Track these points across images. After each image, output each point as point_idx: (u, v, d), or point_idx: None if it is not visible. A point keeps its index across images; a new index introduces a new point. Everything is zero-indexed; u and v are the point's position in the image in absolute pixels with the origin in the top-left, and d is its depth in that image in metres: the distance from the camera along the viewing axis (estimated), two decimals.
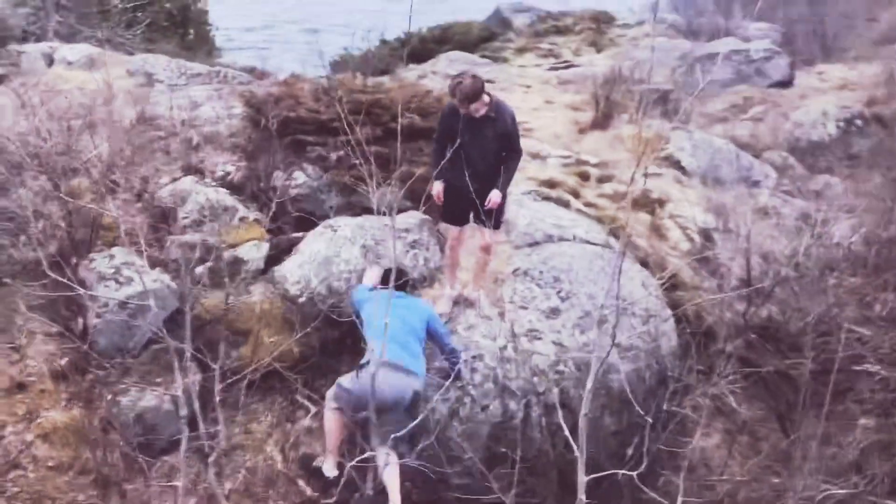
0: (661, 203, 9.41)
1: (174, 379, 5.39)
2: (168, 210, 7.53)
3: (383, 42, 18.56)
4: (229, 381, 5.57)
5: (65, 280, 5.53)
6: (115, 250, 6.79)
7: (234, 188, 7.97)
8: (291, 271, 7.01)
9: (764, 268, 7.50)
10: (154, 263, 6.82)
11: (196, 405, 5.35)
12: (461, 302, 6.75)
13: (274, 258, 7.26)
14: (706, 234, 8.90)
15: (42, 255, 6.08)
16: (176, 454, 5.63)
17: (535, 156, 10.09)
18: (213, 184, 7.95)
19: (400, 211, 7.32)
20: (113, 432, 6.09)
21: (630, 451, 6.47)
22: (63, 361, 6.32)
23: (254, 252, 7.21)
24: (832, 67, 16.70)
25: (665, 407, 6.24)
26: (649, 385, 6.78)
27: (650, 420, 4.96)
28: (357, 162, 5.13)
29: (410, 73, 15.27)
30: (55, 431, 5.94)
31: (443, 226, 7.06)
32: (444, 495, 6.11)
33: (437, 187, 6.43)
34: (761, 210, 8.98)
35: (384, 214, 4.96)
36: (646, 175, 5.21)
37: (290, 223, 7.65)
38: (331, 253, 7.05)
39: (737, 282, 7.58)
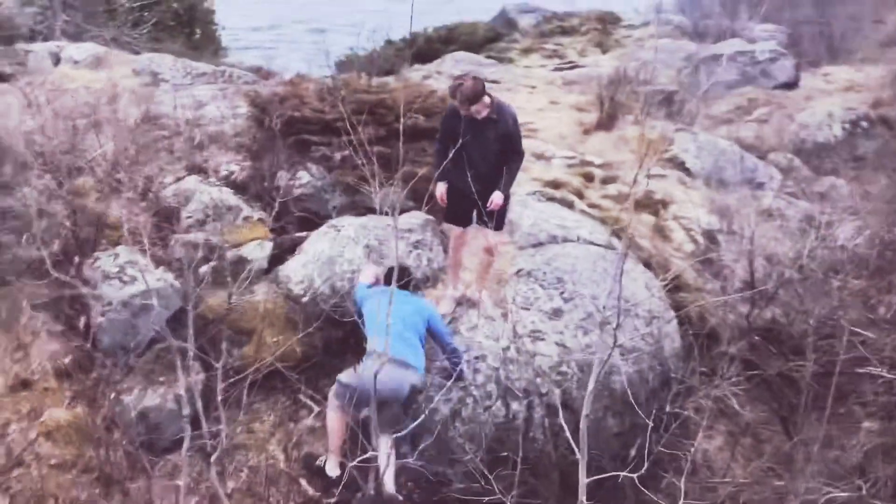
0: (665, 204, 9.39)
1: (177, 378, 5.40)
2: (172, 209, 7.55)
3: (389, 42, 18.55)
4: (232, 380, 5.57)
5: (68, 279, 5.55)
6: (119, 249, 6.81)
7: (238, 188, 7.98)
8: (295, 271, 7.02)
9: (768, 270, 7.49)
10: (158, 262, 6.84)
11: (199, 404, 5.36)
12: (464, 302, 6.75)
13: (277, 258, 7.27)
14: (710, 236, 8.88)
15: (46, 254, 6.10)
16: (178, 453, 5.64)
17: (539, 156, 10.09)
18: (217, 183, 7.96)
19: (403, 211, 7.35)
20: (116, 431, 6.11)
21: (633, 453, 6.47)
22: (67, 360, 6.35)
23: (257, 251, 7.22)
24: (838, 69, 16.64)
25: (668, 408, 6.23)
26: (652, 386, 6.77)
27: (651, 422, 4.93)
28: (361, 162, 5.13)
29: (416, 73, 15.27)
30: (58, 429, 5.97)
31: (446, 226, 7.06)
32: (445, 495, 6.10)
33: (439, 188, 6.44)
34: (765, 212, 8.96)
35: (387, 214, 4.96)
36: (648, 176, 5.20)
37: (293, 223, 7.67)
38: (334, 253, 7.06)
39: (740, 284, 7.58)
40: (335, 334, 6.74)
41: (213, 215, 7.38)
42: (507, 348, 6.54)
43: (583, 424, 4.42)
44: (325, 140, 8.10)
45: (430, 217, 7.48)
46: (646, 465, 4.81)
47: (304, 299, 6.84)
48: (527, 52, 19.27)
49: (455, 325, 6.58)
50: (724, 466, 6.83)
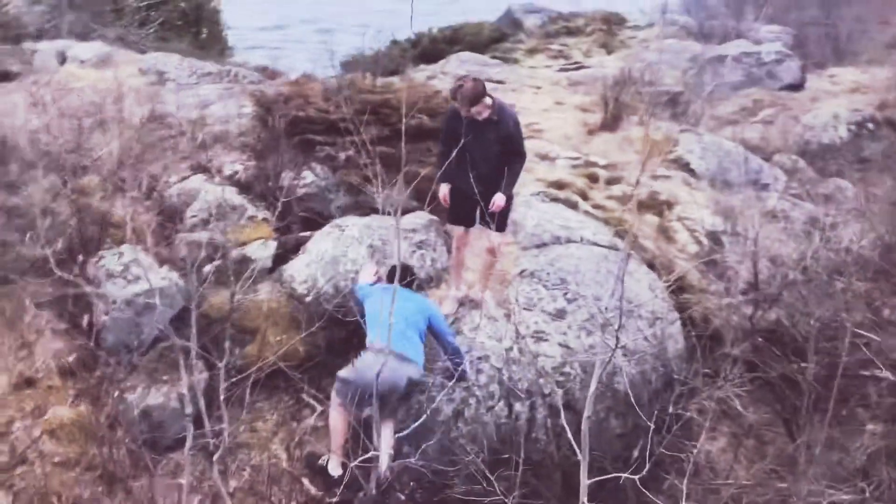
0: (670, 205, 9.37)
1: (180, 376, 5.42)
2: (176, 208, 7.57)
3: (394, 42, 18.57)
4: (235, 379, 5.58)
5: (73, 277, 5.56)
6: (123, 248, 6.82)
7: (243, 187, 7.99)
8: (298, 270, 7.03)
9: (772, 271, 7.48)
10: (162, 261, 6.85)
11: (201, 403, 5.37)
12: (467, 303, 6.76)
13: (281, 257, 7.29)
14: (714, 237, 8.86)
15: (50, 253, 6.12)
16: (181, 451, 5.66)
17: (543, 157, 10.08)
18: (222, 183, 7.97)
19: (407, 211, 7.35)
20: (119, 429, 6.12)
21: (635, 454, 6.46)
22: (70, 358, 6.37)
23: (261, 251, 7.23)
24: (844, 71, 16.59)
25: (670, 410, 6.22)
26: (655, 388, 6.77)
27: (653, 424, 4.93)
28: (365, 162, 5.15)
29: (420, 73, 15.27)
30: (62, 427, 5.98)
31: (449, 227, 7.07)
32: (447, 496, 6.10)
33: (442, 189, 6.46)
34: (770, 213, 8.93)
35: (389, 214, 4.97)
36: (652, 177, 5.20)
37: (297, 222, 7.68)
38: (338, 252, 7.07)
39: (744, 285, 7.57)
40: (338, 334, 6.74)
41: (217, 214, 7.39)
42: (510, 349, 6.54)
43: (584, 425, 4.42)
44: (330, 140, 8.11)
45: (434, 217, 7.48)
46: (648, 466, 4.80)
47: (308, 299, 6.85)
48: (532, 52, 19.23)
49: (458, 326, 6.58)
50: (726, 468, 6.82)
